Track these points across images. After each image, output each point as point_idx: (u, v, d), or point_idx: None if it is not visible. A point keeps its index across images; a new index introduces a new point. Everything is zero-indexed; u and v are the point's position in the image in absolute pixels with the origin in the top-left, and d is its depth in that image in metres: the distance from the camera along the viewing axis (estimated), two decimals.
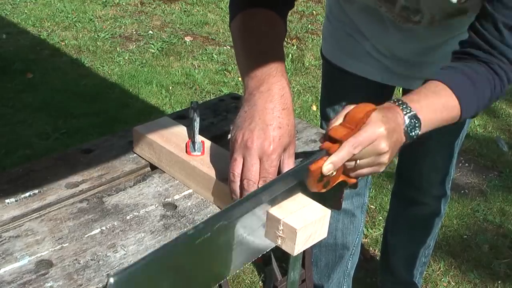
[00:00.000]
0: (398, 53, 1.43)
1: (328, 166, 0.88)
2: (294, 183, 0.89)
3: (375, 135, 0.89)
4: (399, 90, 1.64)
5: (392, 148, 0.92)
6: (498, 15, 1.02)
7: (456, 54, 1.11)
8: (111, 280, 0.65)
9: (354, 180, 0.96)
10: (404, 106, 0.95)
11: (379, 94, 1.56)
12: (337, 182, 0.93)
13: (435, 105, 0.99)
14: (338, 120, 0.92)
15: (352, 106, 0.92)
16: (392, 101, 0.97)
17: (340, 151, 0.88)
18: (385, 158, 0.92)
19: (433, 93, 1.00)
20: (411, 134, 0.95)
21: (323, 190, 0.92)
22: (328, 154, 0.89)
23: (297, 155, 1.09)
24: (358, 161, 0.91)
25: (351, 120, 0.90)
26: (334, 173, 0.90)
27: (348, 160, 0.90)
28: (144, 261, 0.69)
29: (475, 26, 1.07)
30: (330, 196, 0.96)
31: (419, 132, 0.96)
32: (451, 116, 1.03)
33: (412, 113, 0.95)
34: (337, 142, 0.89)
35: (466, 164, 2.97)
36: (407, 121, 0.94)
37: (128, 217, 0.93)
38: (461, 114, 1.03)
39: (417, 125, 0.95)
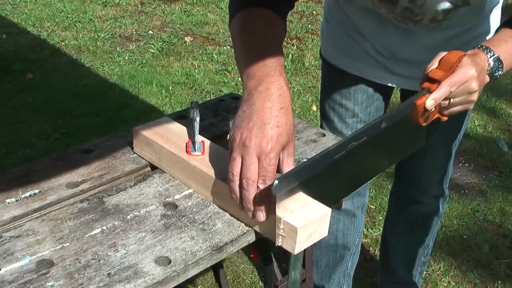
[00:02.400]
0: (397, 53, 1.43)
1: (431, 101, 1.04)
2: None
3: (468, 76, 1.04)
4: (399, 91, 1.64)
5: (480, 87, 1.07)
6: None
7: (505, 24, 1.20)
8: (276, 181, 0.80)
9: (446, 118, 1.11)
10: (488, 50, 1.10)
11: (379, 95, 1.57)
12: (434, 118, 1.09)
13: None
14: (434, 64, 1.07)
15: (445, 52, 1.07)
16: (477, 47, 1.11)
17: (440, 89, 1.03)
18: (475, 96, 1.07)
19: (510, 37, 1.14)
20: (495, 74, 1.11)
21: (424, 124, 1.07)
22: (429, 92, 1.04)
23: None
24: (452, 100, 1.06)
25: (446, 64, 1.05)
26: (433, 109, 1.06)
27: (444, 99, 1.05)
28: (300, 167, 0.88)
29: None
30: (418, 135, 1.13)
31: (501, 73, 1.11)
32: None
33: (495, 55, 1.10)
34: (436, 82, 1.04)
35: (466, 164, 2.97)
36: (491, 63, 1.09)
37: (128, 217, 0.94)
38: None
39: (500, 66, 1.10)
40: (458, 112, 1.11)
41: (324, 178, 0.93)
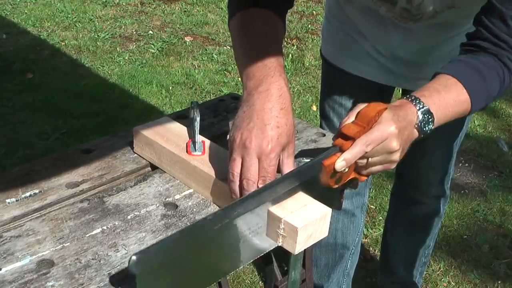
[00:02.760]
0: (398, 53, 1.43)
1: (341, 162, 0.91)
2: (299, 182, 0.90)
3: (387, 134, 0.91)
4: (399, 91, 1.64)
5: (403, 146, 0.95)
6: (506, 10, 1.03)
7: (464, 46, 1.12)
8: (134, 258, 0.68)
9: (364, 178, 0.98)
10: (417, 101, 0.97)
11: (379, 95, 1.56)
12: (349, 178, 0.96)
13: (447, 99, 1.01)
14: (350, 118, 0.94)
15: (363, 105, 0.94)
16: (404, 98, 0.99)
17: (353, 148, 0.91)
18: (396, 156, 0.94)
19: (444, 87, 1.02)
20: (424, 129, 0.98)
21: (335, 186, 0.94)
22: (341, 150, 0.92)
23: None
24: (369, 159, 0.93)
25: (363, 119, 0.92)
26: (347, 169, 0.93)
27: (360, 158, 0.92)
28: (164, 242, 0.73)
29: (482, 21, 1.07)
30: (331, 195, 0.97)
31: (432, 127, 0.99)
32: (462, 110, 1.04)
33: (425, 108, 0.97)
34: (350, 139, 0.91)
35: (466, 164, 2.97)
36: (420, 116, 0.97)
37: (129, 217, 0.94)
38: (471, 107, 1.04)
39: (430, 120, 0.98)
40: (378, 172, 0.98)
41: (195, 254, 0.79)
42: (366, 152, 0.91)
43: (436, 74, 1.06)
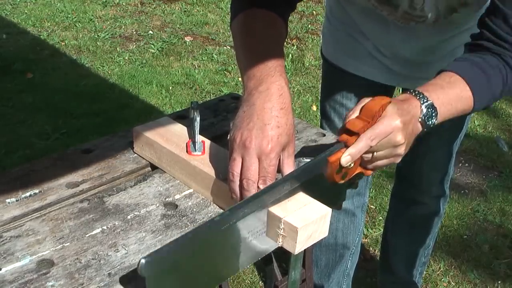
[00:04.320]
0: (399, 52, 1.43)
1: (346, 157, 0.91)
2: (304, 179, 0.91)
3: (391, 128, 0.92)
4: (399, 91, 1.64)
5: (408, 139, 0.95)
6: (508, 11, 1.04)
7: (468, 46, 1.13)
8: (143, 260, 0.69)
9: (370, 172, 0.99)
10: (420, 96, 0.98)
11: (379, 95, 1.56)
12: (355, 174, 0.96)
13: (450, 95, 1.02)
14: (354, 113, 0.94)
15: (367, 99, 0.94)
16: (408, 92, 1.00)
17: (358, 143, 0.91)
18: (401, 150, 0.95)
19: (448, 83, 1.03)
20: (428, 123, 0.98)
21: (341, 182, 0.94)
22: (346, 146, 0.92)
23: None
24: (375, 153, 0.94)
25: (367, 113, 0.92)
26: (352, 164, 0.93)
27: (365, 153, 0.93)
28: (172, 244, 0.73)
29: (485, 22, 1.09)
30: (336, 192, 0.98)
31: (436, 122, 0.99)
32: (465, 107, 1.05)
33: (428, 102, 0.98)
34: (354, 134, 0.92)
35: (466, 164, 2.97)
36: (424, 110, 0.97)
37: (129, 217, 0.94)
38: (474, 105, 1.05)
39: (433, 114, 0.98)
40: (384, 166, 0.99)
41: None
42: (371, 147, 0.92)
43: (440, 71, 1.07)
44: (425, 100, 0.98)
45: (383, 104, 0.93)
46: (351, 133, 0.92)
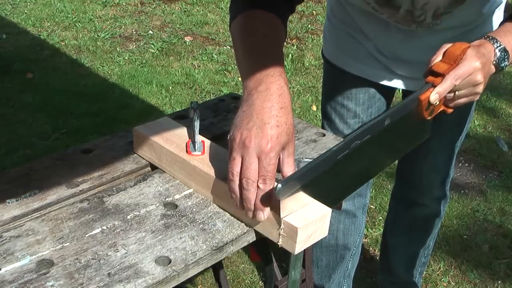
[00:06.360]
0: (399, 54, 1.43)
1: (435, 95, 1.05)
2: (393, 120, 1.03)
3: (472, 68, 1.04)
4: (399, 91, 1.64)
5: (485, 78, 1.08)
6: None
7: (507, 18, 1.22)
8: (279, 185, 0.82)
9: (451, 110, 1.12)
10: (494, 40, 1.11)
11: (380, 96, 1.56)
12: (439, 110, 1.10)
13: None
14: (438, 57, 1.07)
15: (449, 45, 1.07)
16: (483, 38, 1.12)
17: (444, 83, 1.04)
18: (480, 88, 1.08)
19: None
20: (501, 65, 1.11)
21: (429, 118, 1.08)
22: (433, 86, 1.05)
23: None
24: (457, 92, 1.07)
25: (450, 57, 1.05)
26: (438, 102, 1.07)
27: (448, 92, 1.06)
28: (301, 171, 0.88)
29: None
30: (422, 128, 1.14)
31: (507, 64, 1.12)
32: None
33: (501, 46, 1.10)
34: (440, 75, 1.05)
35: (466, 164, 2.97)
36: (498, 54, 1.10)
37: (128, 217, 0.94)
38: None
39: (506, 57, 1.11)
40: (464, 104, 1.11)
41: (327, 179, 0.93)
42: (455, 86, 1.04)
43: (503, 22, 1.19)
44: (498, 45, 1.10)
45: (463, 48, 1.05)
46: (436, 74, 1.05)
